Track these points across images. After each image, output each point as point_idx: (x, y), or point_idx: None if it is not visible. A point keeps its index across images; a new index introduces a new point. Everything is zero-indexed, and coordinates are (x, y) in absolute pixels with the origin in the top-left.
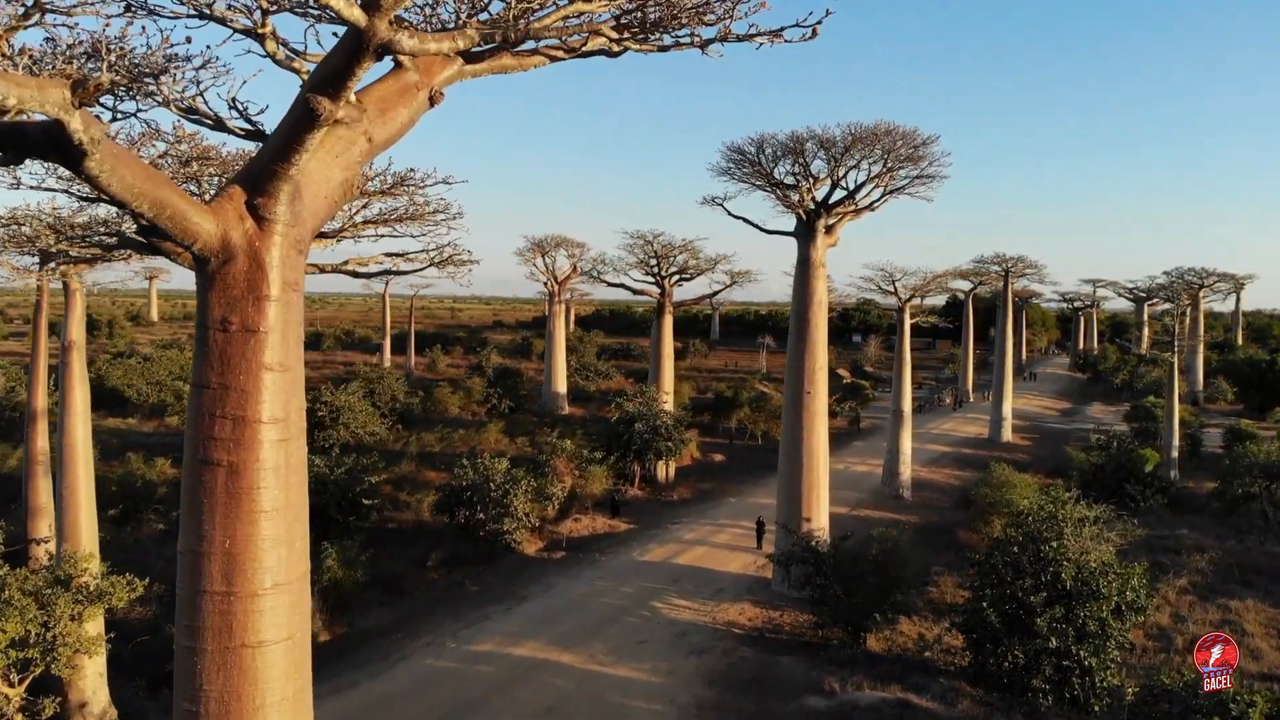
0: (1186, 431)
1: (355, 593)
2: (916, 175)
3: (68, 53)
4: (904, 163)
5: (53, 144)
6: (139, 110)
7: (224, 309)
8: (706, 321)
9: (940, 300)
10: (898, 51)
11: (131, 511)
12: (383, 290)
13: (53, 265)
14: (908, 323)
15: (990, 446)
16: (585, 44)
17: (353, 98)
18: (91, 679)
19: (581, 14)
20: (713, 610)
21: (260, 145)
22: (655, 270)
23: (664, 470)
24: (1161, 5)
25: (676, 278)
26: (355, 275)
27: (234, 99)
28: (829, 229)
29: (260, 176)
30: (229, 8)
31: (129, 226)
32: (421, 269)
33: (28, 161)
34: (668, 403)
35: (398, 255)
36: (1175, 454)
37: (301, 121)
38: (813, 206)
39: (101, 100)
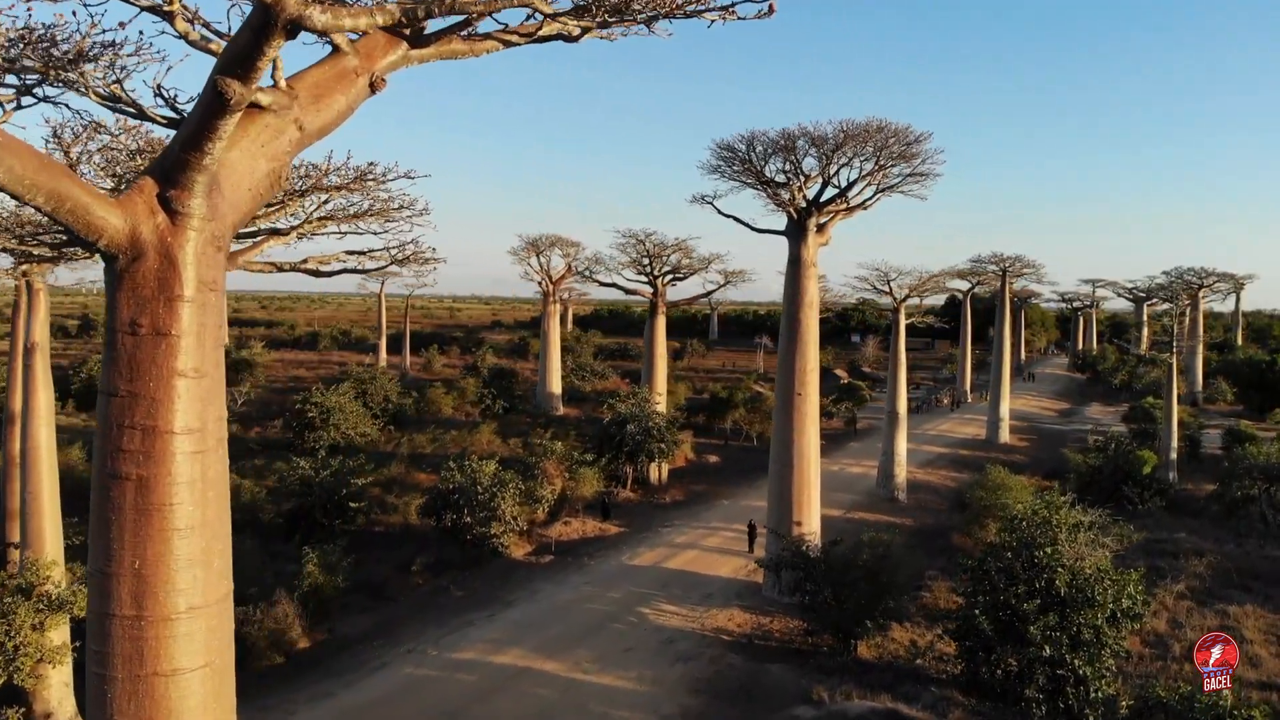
0: (1185, 433)
1: (336, 598)
2: (909, 173)
3: None
4: (896, 160)
5: None
6: (48, 98)
7: (133, 310)
8: (705, 321)
9: (938, 300)
10: (898, 51)
11: None
12: (379, 290)
13: (9, 265)
14: (903, 323)
15: (988, 448)
16: (540, 28)
17: (283, 83)
18: (57, 688)
19: None
20: (701, 616)
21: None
22: (648, 270)
23: (657, 472)
24: (1161, 5)
25: (669, 277)
26: (316, 275)
27: (159, 85)
28: (820, 228)
29: (173, 167)
30: None
31: None
32: (384, 267)
33: None
34: (661, 403)
35: (360, 253)
36: (1174, 455)
37: (212, 107)
38: (804, 205)
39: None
